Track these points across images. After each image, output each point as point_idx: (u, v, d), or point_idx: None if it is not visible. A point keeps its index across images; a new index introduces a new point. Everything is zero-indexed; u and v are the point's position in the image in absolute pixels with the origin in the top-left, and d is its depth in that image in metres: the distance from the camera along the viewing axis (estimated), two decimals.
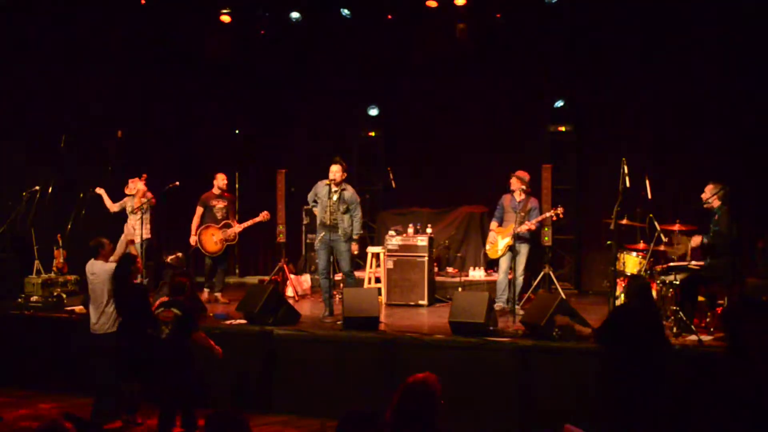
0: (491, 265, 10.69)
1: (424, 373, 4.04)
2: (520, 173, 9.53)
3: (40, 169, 10.57)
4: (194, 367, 6.81)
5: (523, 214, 9.29)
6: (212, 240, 10.09)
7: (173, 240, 11.76)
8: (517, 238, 9.19)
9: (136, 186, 10.04)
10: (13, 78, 10.89)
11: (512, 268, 9.11)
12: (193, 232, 10.08)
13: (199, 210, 10.17)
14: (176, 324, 6.68)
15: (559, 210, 9.27)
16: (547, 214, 9.43)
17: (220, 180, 10.27)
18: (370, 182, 12.36)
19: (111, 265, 7.45)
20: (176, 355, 6.70)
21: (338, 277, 10.31)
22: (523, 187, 9.47)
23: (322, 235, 8.76)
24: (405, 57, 12.15)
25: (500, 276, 9.55)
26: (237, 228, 10.12)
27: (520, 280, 9.29)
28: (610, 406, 6.08)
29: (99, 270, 7.42)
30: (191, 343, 6.78)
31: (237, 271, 12.73)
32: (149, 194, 9.92)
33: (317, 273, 9.39)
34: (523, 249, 9.37)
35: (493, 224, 9.67)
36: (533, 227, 9.35)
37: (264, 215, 10.22)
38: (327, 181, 8.68)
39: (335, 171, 8.67)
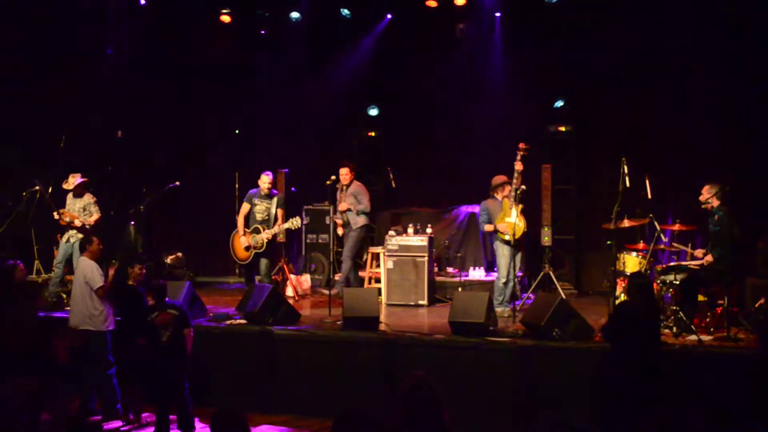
0: (491, 265, 10.67)
1: (420, 373, 4.03)
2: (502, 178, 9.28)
3: (40, 169, 10.57)
4: (185, 363, 6.84)
5: (513, 199, 9.01)
6: (242, 246, 9.60)
7: (173, 240, 11.78)
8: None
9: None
10: (13, 78, 10.90)
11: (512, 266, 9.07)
12: (239, 230, 9.61)
13: (245, 207, 9.68)
14: (176, 324, 6.70)
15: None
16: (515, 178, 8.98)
17: (264, 182, 9.67)
18: (370, 182, 12.36)
19: (88, 263, 7.46)
20: (178, 357, 6.71)
21: (338, 277, 10.34)
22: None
23: None
24: (405, 57, 12.17)
25: (501, 281, 9.05)
26: (265, 235, 9.46)
27: (519, 278, 9.25)
28: (611, 403, 6.09)
29: (79, 266, 7.49)
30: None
31: (237, 271, 12.73)
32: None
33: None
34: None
35: (489, 226, 9.14)
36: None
37: (294, 222, 9.55)
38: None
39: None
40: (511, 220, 8.93)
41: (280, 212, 9.67)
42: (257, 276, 9.79)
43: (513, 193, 8.96)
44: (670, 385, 6.59)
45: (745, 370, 6.64)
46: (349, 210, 10.14)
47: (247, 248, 9.52)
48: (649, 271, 8.04)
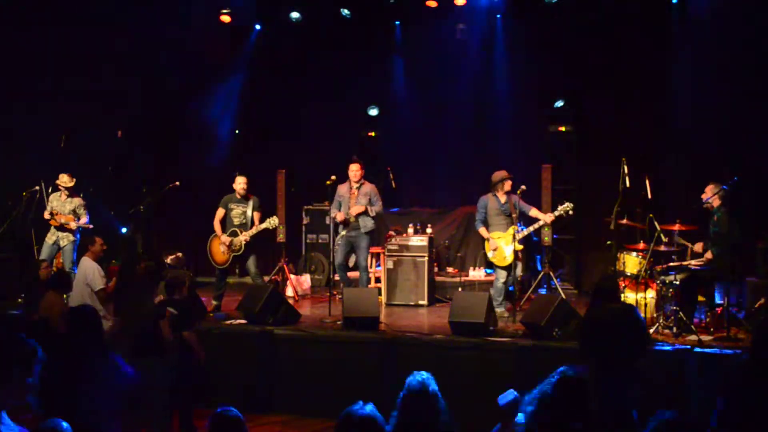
0: (491, 266, 10.64)
1: (420, 374, 4.04)
2: (502, 173, 9.19)
3: (40, 169, 10.57)
4: (193, 366, 6.81)
5: (515, 215, 8.95)
6: (220, 250, 9.43)
7: (172, 240, 11.76)
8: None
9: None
10: (13, 78, 10.90)
11: (513, 268, 9.05)
12: (218, 234, 9.40)
13: (220, 212, 9.44)
14: (173, 323, 6.69)
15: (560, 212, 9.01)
16: (543, 218, 9.10)
17: (239, 184, 9.43)
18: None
19: (90, 264, 7.47)
20: (176, 356, 6.69)
21: (338, 277, 10.33)
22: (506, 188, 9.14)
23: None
24: (405, 56, 12.16)
25: (500, 282, 9.07)
26: (243, 237, 9.25)
27: (519, 277, 9.25)
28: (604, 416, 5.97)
29: (80, 267, 7.50)
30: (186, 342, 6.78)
31: (237, 271, 12.76)
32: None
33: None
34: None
35: (483, 230, 9.12)
36: (538, 224, 9.09)
37: (271, 222, 9.40)
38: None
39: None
40: (506, 254, 8.91)
41: (256, 215, 9.42)
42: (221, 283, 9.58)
43: (518, 235, 8.83)
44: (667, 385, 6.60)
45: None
46: (364, 214, 9.47)
47: (230, 246, 9.27)
48: (649, 271, 8.04)
